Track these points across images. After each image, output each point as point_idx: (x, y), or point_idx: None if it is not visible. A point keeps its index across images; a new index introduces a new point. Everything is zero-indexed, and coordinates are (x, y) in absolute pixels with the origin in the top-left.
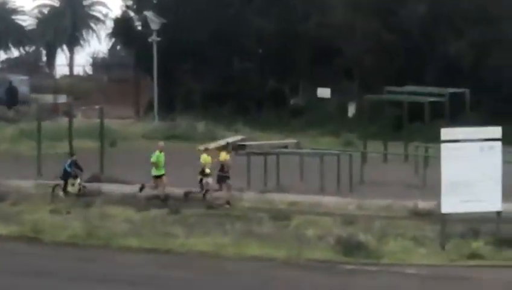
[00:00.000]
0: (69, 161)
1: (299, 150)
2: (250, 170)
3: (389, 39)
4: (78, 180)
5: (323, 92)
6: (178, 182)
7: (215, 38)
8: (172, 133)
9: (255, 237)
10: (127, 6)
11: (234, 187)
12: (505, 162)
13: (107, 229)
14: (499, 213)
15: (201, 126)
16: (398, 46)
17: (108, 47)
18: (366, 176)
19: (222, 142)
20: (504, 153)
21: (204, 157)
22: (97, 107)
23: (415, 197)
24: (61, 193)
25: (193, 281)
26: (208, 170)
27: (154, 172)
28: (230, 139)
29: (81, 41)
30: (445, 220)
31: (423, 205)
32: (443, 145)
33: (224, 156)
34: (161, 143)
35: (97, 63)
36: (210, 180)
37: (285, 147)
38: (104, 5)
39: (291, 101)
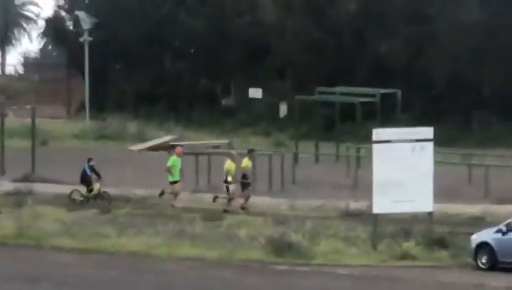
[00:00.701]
0: (87, 165)
1: (231, 150)
2: (182, 170)
3: (321, 39)
4: (98, 186)
5: (255, 92)
6: (109, 182)
7: (147, 38)
8: (103, 133)
9: (187, 237)
10: (59, 6)
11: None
12: (436, 162)
13: (39, 229)
14: (430, 213)
15: (132, 126)
16: (330, 46)
17: (40, 46)
18: (297, 176)
19: (157, 141)
20: (435, 153)
21: (229, 164)
22: (29, 106)
23: (346, 198)
24: (79, 198)
25: (124, 281)
26: (230, 178)
27: (171, 178)
28: (162, 139)
29: (13, 41)
30: (376, 220)
31: (355, 205)
32: (374, 146)
33: (246, 162)
34: (179, 148)
35: (29, 63)
36: (233, 187)
37: (217, 147)
38: (35, 4)
39: (223, 101)
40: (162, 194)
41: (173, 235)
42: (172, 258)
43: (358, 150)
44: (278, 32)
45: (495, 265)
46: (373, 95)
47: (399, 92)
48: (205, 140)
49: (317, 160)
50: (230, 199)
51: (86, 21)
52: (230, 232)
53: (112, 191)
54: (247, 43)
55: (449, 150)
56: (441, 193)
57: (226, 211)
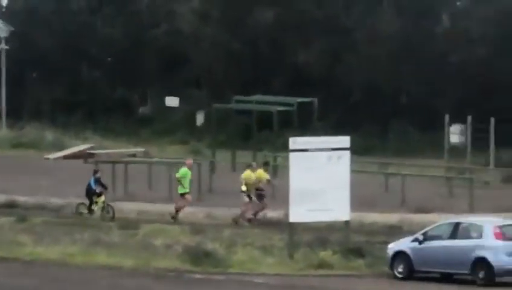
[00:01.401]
0: (93, 178)
1: (148, 159)
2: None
3: (238, 48)
4: (103, 198)
5: (172, 101)
6: (25, 191)
7: (64, 46)
8: (19, 141)
9: (103, 245)
10: None
11: (81, 195)
12: (353, 171)
13: None
14: (347, 222)
15: (49, 134)
16: (247, 55)
17: None
18: (215, 185)
19: (73, 150)
20: (352, 162)
21: (247, 173)
22: None
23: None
24: (85, 211)
25: None
26: (244, 187)
27: (181, 190)
28: (78, 148)
29: None
30: (293, 229)
31: (272, 214)
32: (291, 155)
33: (260, 174)
34: (190, 160)
35: None
36: (246, 198)
37: (134, 155)
38: None
39: (140, 110)
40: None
41: (90, 244)
42: (89, 266)
43: (275, 159)
44: (194, 41)
45: (411, 274)
46: (290, 104)
47: (316, 101)
48: (122, 148)
49: (234, 168)
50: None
51: (3, 29)
52: (146, 240)
53: (27, 199)
54: (164, 52)
55: (366, 159)
56: (358, 201)
57: (236, 221)
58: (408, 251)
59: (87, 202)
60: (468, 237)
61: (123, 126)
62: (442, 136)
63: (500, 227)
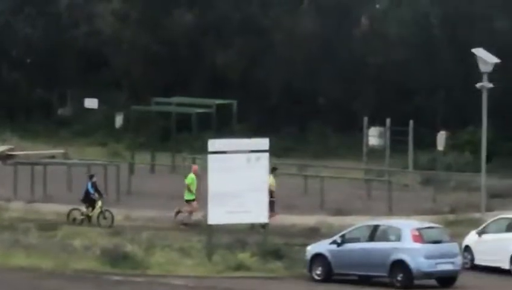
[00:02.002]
0: (89, 183)
1: (67, 160)
2: (17, 180)
3: (157, 50)
4: (100, 203)
5: (91, 103)
6: None
7: None
8: None
9: (21, 247)
10: None
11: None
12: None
13: None
14: (265, 225)
15: None
16: (166, 56)
17: None
18: (133, 186)
19: None
20: (271, 164)
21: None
22: None
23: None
24: (80, 217)
25: None
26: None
27: (187, 196)
28: None
29: None
30: (211, 231)
31: (191, 216)
32: (210, 156)
33: (270, 180)
34: (195, 166)
35: None
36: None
37: (53, 157)
38: None
39: (59, 111)
40: (178, 213)
41: (8, 246)
42: (7, 268)
43: (193, 161)
44: (114, 42)
45: (330, 276)
46: (209, 106)
47: (235, 103)
48: (41, 150)
49: (153, 170)
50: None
51: None
52: (65, 242)
53: None
54: (84, 54)
55: (285, 161)
56: (277, 204)
57: (263, 226)
58: (326, 254)
59: (82, 207)
60: (387, 239)
61: (42, 127)
62: (361, 138)
63: (419, 230)
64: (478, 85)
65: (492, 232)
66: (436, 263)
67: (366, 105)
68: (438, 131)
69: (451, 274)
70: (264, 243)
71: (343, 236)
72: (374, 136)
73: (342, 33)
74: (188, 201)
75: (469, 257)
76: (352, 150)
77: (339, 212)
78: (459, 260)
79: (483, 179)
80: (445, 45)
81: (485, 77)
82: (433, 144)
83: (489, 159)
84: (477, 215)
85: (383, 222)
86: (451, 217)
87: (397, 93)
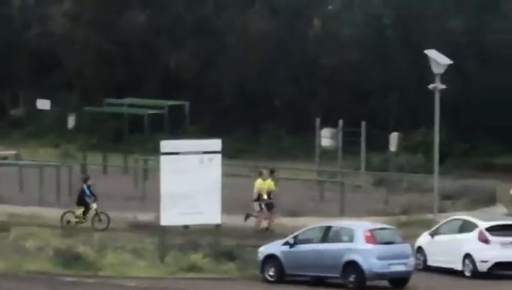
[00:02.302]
0: (85, 185)
1: (18, 161)
2: None
3: (110, 51)
4: (95, 206)
5: (43, 104)
6: None
7: None
8: None
9: None
10: None
11: None
12: (225, 174)
13: None
14: (218, 226)
15: None
16: (119, 57)
17: None
18: None
19: None
20: (224, 165)
21: (259, 183)
22: None
23: (134, 210)
24: (74, 220)
25: None
26: (265, 195)
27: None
28: None
29: None
30: (164, 232)
31: (143, 217)
32: (163, 158)
33: (270, 182)
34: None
35: None
36: (257, 207)
37: (5, 158)
38: None
39: (12, 112)
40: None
41: None
42: None
43: (146, 162)
44: (66, 43)
45: (282, 278)
46: (161, 107)
47: (187, 104)
48: None
49: (105, 171)
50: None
51: None
52: (17, 243)
53: None
54: (36, 55)
55: (238, 162)
56: (230, 205)
57: (266, 229)
58: (279, 255)
59: (76, 210)
60: (339, 240)
61: None
62: (313, 139)
63: (371, 231)
64: (431, 86)
65: (445, 233)
66: (389, 264)
67: (320, 106)
68: (391, 132)
69: (403, 275)
70: (217, 244)
71: (295, 237)
72: (326, 138)
73: (295, 34)
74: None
75: (421, 258)
76: (305, 151)
77: (292, 213)
78: (411, 261)
79: (435, 180)
80: (398, 46)
81: (437, 78)
82: (386, 145)
83: (441, 160)
84: (429, 216)
85: (336, 223)
86: (403, 218)
87: (350, 95)
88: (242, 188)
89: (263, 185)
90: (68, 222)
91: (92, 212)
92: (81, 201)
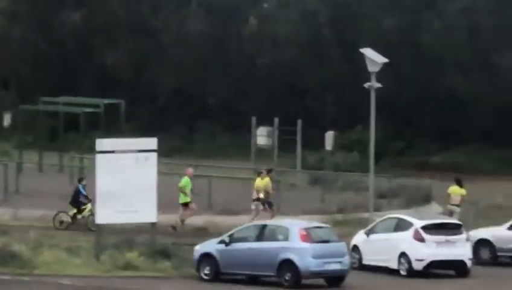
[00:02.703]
0: (80, 186)
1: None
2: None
3: (46, 49)
4: (89, 207)
5: None
6: None
7: None
8: None
9: None
10: None
11: None
12: (161, 173)
13: None
14: (153, 224)
15: None
16: (55, 56)
17: None
18: (21, 186)
19: None
20: (160, 164)
21: (258, 182)
22: None
23: (70, 208)
24: (67, 220)
25: None
26: (261, 194)
27: (182, 199)
28: None
29: None
30: (100, 230)
31: (79, 216)
32: (98, 156)
33: (266, 181)
34: (190, 169)
35: None
36: (261, 206)
37: None
38: None
39: None
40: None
41: None
42: None
43: (81, 160)
44: (2, 41)
45: (218, 276)
46: (97, 106)
47: (123, 103)
48: None
49: (41, 169)
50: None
51: None
52: None
53: None
54: None
55: (173, 160)
56: (165, 203)
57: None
58: (214, 253)
59: (69, 210)
60: (275, 239)
61: None
62: (249, 138)
63: (307, 229)
64: (366, 85)
65: (380, 232)
66: (324, 263)
67: (256, 105)
68: (327, 131)
69: (339, 274)
70: (152, 243)
71: (231, 236)
72: (262, 136)
73: (231, 33)
74: (184, 204)
75: (357, 256)
76: (241, 149)
77: (227, 211)
78: (347, 259)
79: (371, 179)
80: (334, 45)
81: (373, 77)
82: (322, 143)
83: (377, 159)
84: (365, 215)
85: (271, 221)
86: (339, 216)
87: (286, 93)
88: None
89: (260, 183)
90: (61, 222)
91: (86, 213)
92: (75, 201)
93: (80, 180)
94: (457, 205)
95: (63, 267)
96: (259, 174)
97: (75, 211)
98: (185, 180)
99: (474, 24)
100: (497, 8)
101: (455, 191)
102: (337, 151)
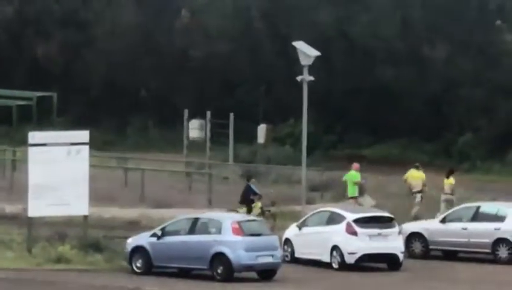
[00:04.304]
0: (251, 185)
1: None
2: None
3: None
4: (259, 204)
5: None
6: None
7: None
8: None
9: None
10: None
11: None
12: (93, 166)
13: None
14: (85, 217)
15: None
16: None
17: None
18: None
19: None
20: (92, 157)
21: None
22: None
23: (2, 201)
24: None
25: None
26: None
27: (351, 192)
28: None
29: None
30: (31, 223)
31: (10, 208)
32: (30, 149)
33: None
34: (356, 164)
35: None
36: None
37: None
38: None
39: None
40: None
41: None
42: None
43: (14, 153)
44: None
45: (150, 269)
46: (29, 98)
47: (55, 96)
48: None
49: None
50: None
51: None
52: None
53: None
54: None
55: (106, 153)
56: (97, 196)
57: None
58: (147, 246)
59: (238, 208)
60: (207, 232)
61: None
62: (182, 131)
63: (239, 222)
64: (299, 78)
65: (313, 225)
66: (257, 256)
67: (188, 98)
68: (259, 124)
69: (271, 267)
70: (84, 236)
71: (163, 229)
72: (194, 129)
73: (163, 25)
74: (352, 198)
75: (289, 249)
76: (173, 142)
77: (160, 204)
78: (279, 252)
79: (303, 172)
80: (267, 38)
81: (305, 70)
82: (254, 137)
83: (309, 152)
84: (297, 208)
85: (204, 214)
86: (271, 210)
87: (218, 86)
88: (109, 179)
89: (418, 175)
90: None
91: (257, 211)
92: (247, 200)
93: (248, 179)
94: (451, 194)
95: None
96: (416, 167)
97: (245, 209)
98: (351, 174)
99: (405, 17)
100: (427, 1)
101: (449, 182)
102: (270, 144)
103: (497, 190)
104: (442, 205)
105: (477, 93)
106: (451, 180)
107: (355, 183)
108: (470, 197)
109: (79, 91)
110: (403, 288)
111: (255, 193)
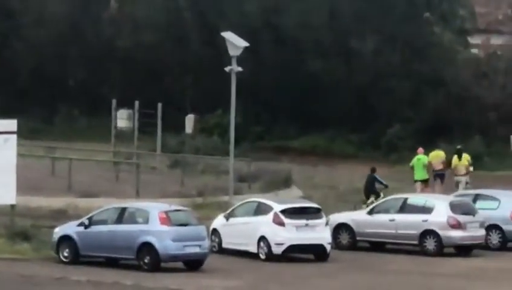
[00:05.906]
0: (376, 176)
1: None
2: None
3: None
4: (381, 194)
5: None
6: None
7: None
8: None
9: None
10: None
11: None
12: (20, 155)
13: None
14: (12, 206)
15: None
16: None
17: None
18: None
19: None
20: (19, 146)
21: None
22: None
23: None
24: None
25: None
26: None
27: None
28: None
29: None
30: None
31: None
32: None
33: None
34: (421, 149)
35: None
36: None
37: None
38: None
39: None
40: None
41: None
42: None
43: None
44: None
45: (77, 258)
46: None
47: None
48: None
49: None
50: None
51: None
52: None
53: None
54: None
55: (33, 142)
56: (24, 185)
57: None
58: (74, 236)
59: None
60: (134, 222)
61: None
62: (109, 120)
63: (166, 212)
64: (227, 68)
65: (240, 215)
66: (184, 246)
67: (115, 87)
68: (187, 114)
69: (198, 257)
70: (12, 225)
71: (90, 218)
72: (122, 119)
73: (91, 16)
74: (423, 181)
75: (217, 240)
76: (101, 132)
77: (87, 194)
78: (206, 243)
79: (231, 163)
80: (195, 28)
81: (233, 61)
82: (182, 127)
83: (237, 142)
84: (225, 198)
85: (131, 204)
86: (199, 200)
87: (146, 76)
88: (37, 168)
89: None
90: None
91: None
92: (372, 190)
93: (373, 170)
94: (463, 175)
95: None
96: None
97: (373, 198)
98: (420, 157)
99: (333, 8)
100: None
101: (463, 163)
102: (198, 134)
103: None
104: (461, 187)
105: (405, 85)
106: (464, 160)
107: (425, 166)
108: (401, 188)
109: (6, 80)
110: (330, 279)
111: (381, 183)
